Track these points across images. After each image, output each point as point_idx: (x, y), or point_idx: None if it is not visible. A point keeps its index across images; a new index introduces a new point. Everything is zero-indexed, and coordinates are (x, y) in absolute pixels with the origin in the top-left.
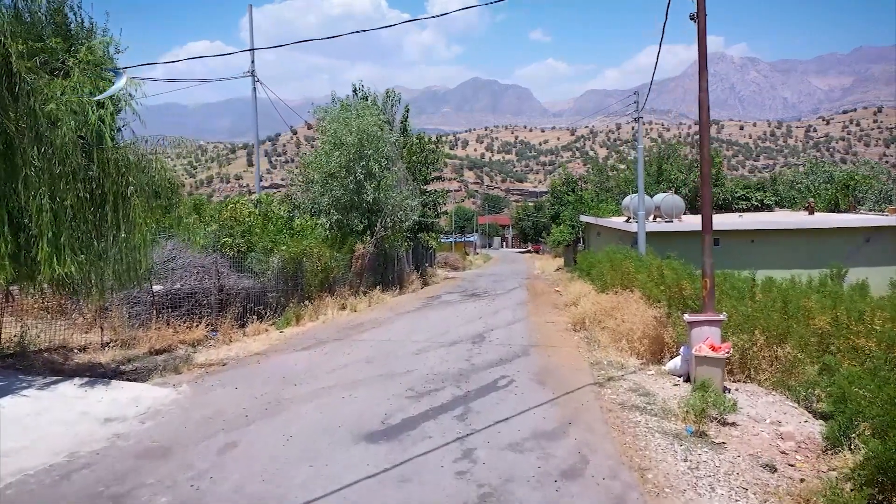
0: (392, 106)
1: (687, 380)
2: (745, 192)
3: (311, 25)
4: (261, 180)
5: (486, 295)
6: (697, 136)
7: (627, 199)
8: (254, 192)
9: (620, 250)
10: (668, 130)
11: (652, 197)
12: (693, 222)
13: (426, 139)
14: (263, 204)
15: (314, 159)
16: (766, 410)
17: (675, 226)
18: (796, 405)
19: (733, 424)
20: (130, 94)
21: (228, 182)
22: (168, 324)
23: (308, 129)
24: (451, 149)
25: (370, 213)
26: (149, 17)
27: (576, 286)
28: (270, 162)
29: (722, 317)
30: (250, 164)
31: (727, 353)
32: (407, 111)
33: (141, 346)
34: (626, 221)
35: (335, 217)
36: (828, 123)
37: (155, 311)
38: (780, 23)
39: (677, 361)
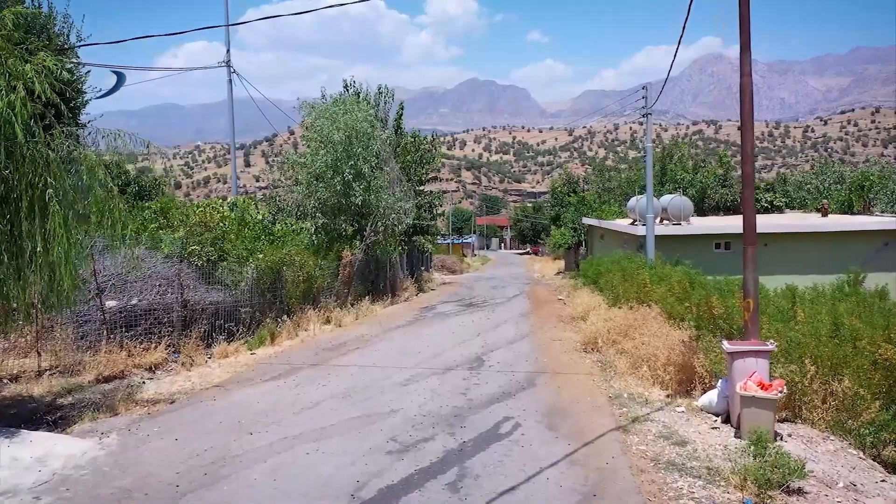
0: (385, 103)
1: (726, 420)
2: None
3: (308, 25)
4: (257, 180)
5: (485, 305)
6: (697, 136)
7: (633, 200)
8: (251, 193)
9: (631, 258)
10: (666, 131)
11: (658, 198)
12: (702, 225)
13: (420, 138)
14: (239, 207)
15: (299, 158)
16: (831, 466)
17: (684, 229)
18: (861, 453)
19: (800, 492)
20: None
21: (226, 182)
22: (121, 346)
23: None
24: (448, 149)
25: (360, 216)
26: (147, 18)
27: (583, 296)
28: (268, 162)
29: (770, 346)
30: (247, 164)
31: (780, 392)
32: (401, 108)
33: (87, 373)
34: (632, 224)
35: (321, 221)
36: (825, 124)
37: (106, 331)
38: (777, 23)
39: (713, 396)
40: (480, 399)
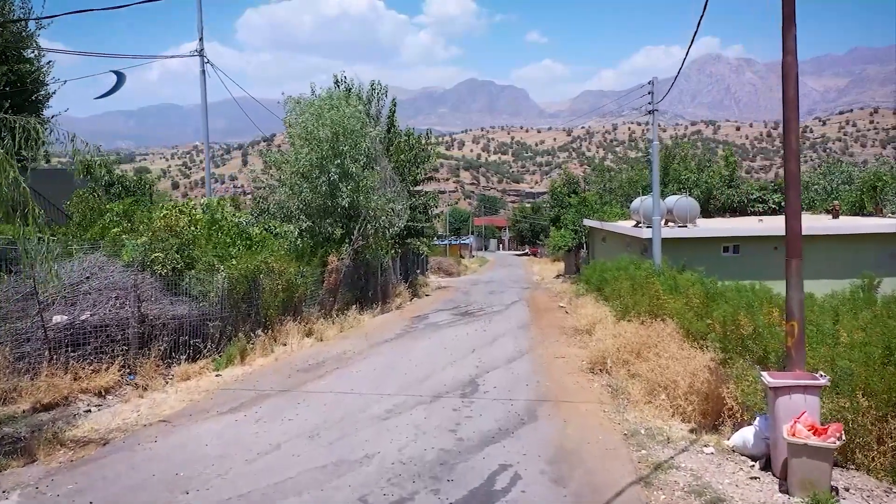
0: (378, 100)
1: (765, 466)
2: (761, 195)
3: (307, 25)
4: (254, 181)
5: (482, 313)
6: (696, 137)
7: (637, 201)
8: (248, 193)
9: (639, 264)
10: (665, 131)
11: (662, 199)
12: (710, 227)
13: (415, 136)
14: (210, 209)
15: (282, 156)
16: None
17: (691, 231)
18: None
19: None
20: None
21: (223, 183)
22: (66, 368)
23: None
24: (447, 149)
25: (348, 218)
26: (147, 18)
27: (586, 306)
28: (266, 163)
29: (822, 380)
30: (245, 163)
31: (838, 439)
32: (394, 105)
33: (23, 401)
34: (636, 226)
35: (305, 224)
36: (824, 124)
37: (49, 351)
38: (776, 24)
39: (748, 436)
40: (473, 438)
